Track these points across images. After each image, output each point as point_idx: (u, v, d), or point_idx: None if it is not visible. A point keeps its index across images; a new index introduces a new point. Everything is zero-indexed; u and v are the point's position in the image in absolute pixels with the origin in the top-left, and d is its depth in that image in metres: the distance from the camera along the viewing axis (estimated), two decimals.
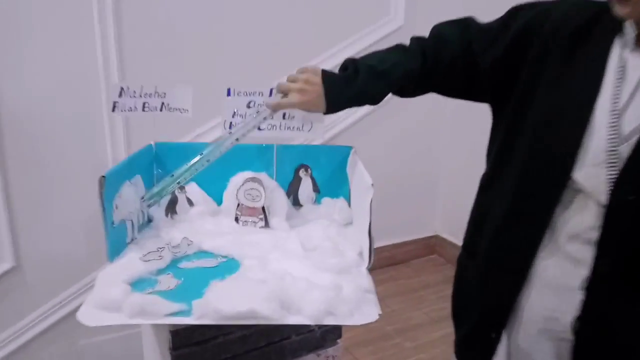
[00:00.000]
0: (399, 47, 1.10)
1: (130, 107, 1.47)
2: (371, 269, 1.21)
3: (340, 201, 1.54)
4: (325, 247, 1.27)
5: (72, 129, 1.96)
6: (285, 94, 1.15)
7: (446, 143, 2.99)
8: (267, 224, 1.43)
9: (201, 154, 1.29)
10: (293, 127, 1.48)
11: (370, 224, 1.20)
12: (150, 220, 1.46)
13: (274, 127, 1.48)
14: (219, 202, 1.52)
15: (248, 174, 1.47)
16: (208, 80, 1.76)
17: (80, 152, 1.99)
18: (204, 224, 1.42)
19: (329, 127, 2.42)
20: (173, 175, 1.30)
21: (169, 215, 1.47)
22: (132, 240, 1.34)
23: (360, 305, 1.06)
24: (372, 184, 1.21)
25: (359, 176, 1.36)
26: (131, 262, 1.20)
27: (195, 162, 1.29)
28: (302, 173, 1.56)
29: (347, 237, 1.36)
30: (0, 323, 1.94)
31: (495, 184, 1.02)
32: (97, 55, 1.95)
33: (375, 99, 1.12)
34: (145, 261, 1.20)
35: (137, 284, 1.14)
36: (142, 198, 1.35)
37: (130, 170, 1.35)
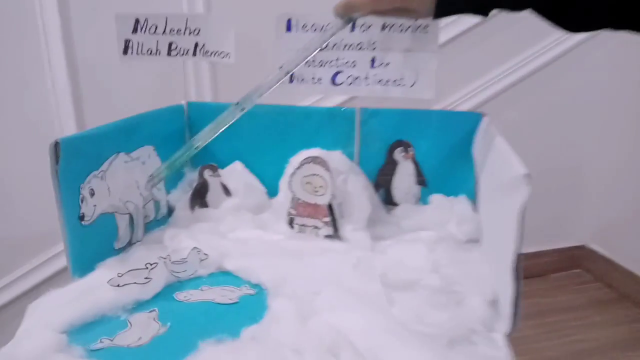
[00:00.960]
0: None
1: (150, 50, 1.00)
2: None
3: (461, 202, 0.94)
4: (427, 286, 0.70)
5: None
6: None
7: (600, 130, 2.18)
8: (335, 232, 0.88)
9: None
10: (387, 81, 0.92)
11: (518, 246, 0.61)
12: (171, 213, 0.99)
13: (357, 80, 0.93)
14: (274, 192, 1.01)
15: (312, 152, 0.93)
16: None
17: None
18: (237, 226, 0.91)
19: (441, 96, 1.59)
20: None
21: (194, 208, 0.98)
22: (129, 244, 0.87)
23: None
24: (528, 175, 0.62)
25: (498, 161, 0.77)
26: (98, 286, 0.72)
27: (226, 114, 0.80)
28: (399, 154, 0.99)
29: (469, 267, 0.77)
30: None
31: None
32: None
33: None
34: (116, 286, 0.72)
35: (91, 327, 0.66)
36: (151, 176, 0.87)
37: (128, 137, 0.88)
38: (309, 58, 0.82)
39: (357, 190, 0.90)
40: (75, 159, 0.75)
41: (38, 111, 1.30)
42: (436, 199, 0.96)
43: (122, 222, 0.87)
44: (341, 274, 0.74)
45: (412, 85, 0.91)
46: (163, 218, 0.98)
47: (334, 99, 1.35)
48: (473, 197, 0.96)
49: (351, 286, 0.71)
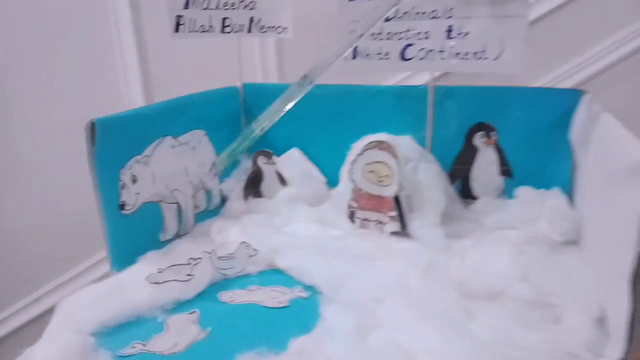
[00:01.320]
0: None
1: (203, 26, 0.92)
2: None
3: (554, 196, 0.79)
4: (515, 298, 0.57)
5: None
6: None
7: None
8: (403, 229, 0.77)
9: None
10: (466, 53, 0.80)
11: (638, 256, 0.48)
12: (224, 203, 0.91)
13: (430, 54, 0.81)
14: (334, 182, 0.90)
15: (377, 137, 0.82)
16: None
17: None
18: (292, 219, 0.81)
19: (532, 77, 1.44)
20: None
21: (248, 198, 0.89)
22: (177, 236, 0.80)
23: None
24: None
25: (607, 146, 0.62)
26: (136, 282, 0.65)
27: (292, 90, 0.71)
28: (479, 140, 0.85)
29: (567, 275, 0.63)
30: None
31: None
32: None
33: None
34: (155, 283, 0.64)
35: (124, 329, 0.59)
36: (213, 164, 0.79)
37: (175, 120, 0.80)
38: (381, 18, 0.70)
39: (429, 181, 0.78)
40: (114, 142, 0.68)
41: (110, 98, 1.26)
42: (524, 192, 0.82)
43: (169, 213, 0.80)
44: (409, 279, 0.62)
45: (496, 58, 0.78)
46: (215, 209, 0.90)
47: (403, 77, 1.21)
48: (569, 191, 0.81)
49: (421, 295, 0.59)
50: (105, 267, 1.25)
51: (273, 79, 1.18)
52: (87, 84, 1.26)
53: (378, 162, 0.76)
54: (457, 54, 0.80)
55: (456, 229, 0.77)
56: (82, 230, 1.23)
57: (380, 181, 0.77)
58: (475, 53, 0.79)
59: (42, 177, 1.32)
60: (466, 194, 0.87)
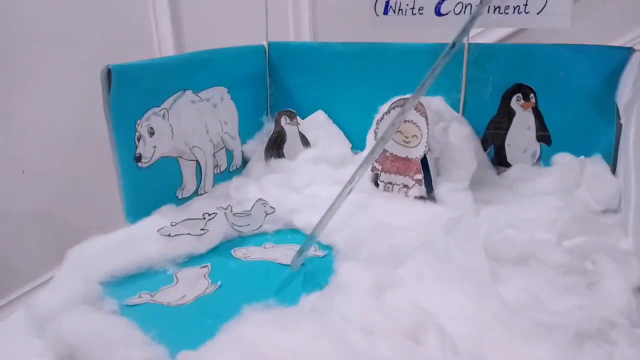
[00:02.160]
0: None
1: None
2: None
3: (595, 163, 0.74)
4: (549, 262, 0.53)
5: None
6: None
7: None
8: (429, 193, 0.73)
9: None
10: (506, 7, 0.74)
11: None
12: (245, 164, 0.89)
13: (467, 8, 0.76)
14: (360, 146, 0.86)
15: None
16: None
17: None
18: (313, 181, 0.78)
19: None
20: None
21: (269, 159, 0.86)
22: (195, 194, 0.78)
23: None
24: None
25: None
26: (148, 234, 0.63)
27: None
28: (516, 103, 0.80)
29: (607, 241, 0.58)
30: None
31: None
32: None
33: None
34: (167, 235, 0.62)
35: (133, 280, 0.57)
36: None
37: (196, 74, 0.78)
38: None
39: (460, 142, 0.73)
40: (131, 90, 0.66)
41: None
42: (562, 159, 0.77)
43: (188, 170, 0.78)
44: (434, 241, 0.58)
45: (539, 12, 0.72)
46: (237, 170, 0.88)
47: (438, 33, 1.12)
48: (611, 158, 0.75)
49: (445, 256, 0.55)
50: None
51: (305, 37, 1.13)
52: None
53: (406, 121, 0.72)
54: (496, 8, 0.74)
55: (487, 195, 0.72)
56: None
57: (408, 142, 0.73)
58: (516, 7, 0.73)
59: None
60: (500, 161, 0.82)
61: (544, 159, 0.80)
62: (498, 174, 0.80)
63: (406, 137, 0.73)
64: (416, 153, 0.72)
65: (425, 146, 0.71)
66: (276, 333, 0.42)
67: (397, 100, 0.73)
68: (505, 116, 0.81)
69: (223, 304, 0.52)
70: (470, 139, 0.75)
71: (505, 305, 0.46)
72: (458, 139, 0.73)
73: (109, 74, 0.63)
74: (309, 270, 0.59)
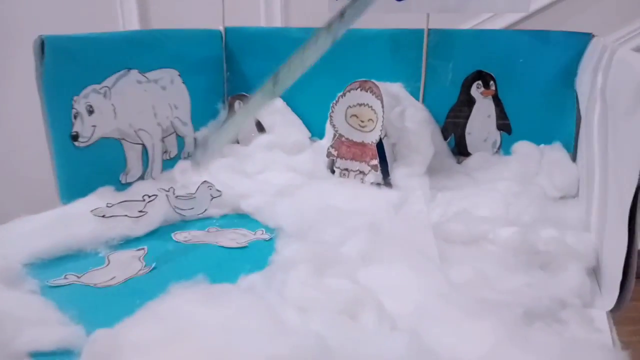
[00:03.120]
0: None
1: None
2: None
3: (555, 150, 0.72)
4: (501, 242, 0.50)
5: None
6: None
7: None
8: (385, 179, 0.70)
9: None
10: None
11: (636, 206, 0.41)
12: None
13: None
14: (319, 133, 0.83)
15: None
16: None
17: None
18: (266, 167, 0.74)
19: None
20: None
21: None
22: (141, 179, 0.74)
23: None
24: None
25: (618, 92, 0.54)
26: (81, 215, 0.58)
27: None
28: (476, 90, 0.78)
29: (562, 223, 0.56)
30: None
31: None
32: None
33: None
34: (101, 216, 0.58)
35: (61, 262, 0.53)
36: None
37: (143, 53, 0.74)
38: None
39: (417, 127, 0.70)
40: (67, 64, 0.62)
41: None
42: (522, 147, 0.75)
43: (133, 153, 0.73)
44: (383, 223, 0.55)
45: None
46: (188, 157, 0.84)
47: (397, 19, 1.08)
48: (571, 146, 0.73)
49: (393, 237, 0.52)
50: None
51: (277, 21, 1.09)
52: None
53: (361, 104, 0.69)
54: None
55: (445, 182, 0.70)
56: None
57: (363, 126, 0.70)
58: None
59: None
60: (460, 150, 0.80)
61: (504, 148, 0.78)
62: (458, 162, 0.78)
63: (362, 121, 0.70)
64: (372, 137, 0.69)
65: (381, 130, 0.69)
66: (201, 309, 0.38)
67: (353, 83, 0.70)
68: (465, 104, 0.79)
69: (154, 285, 0.48)
70: (427, 123, 0.73)
71: (451, 283, 0.43)
72: (415, 124, 0.70)
73: (42, 44, 0.59)
74: (251, 253, 0.55)
